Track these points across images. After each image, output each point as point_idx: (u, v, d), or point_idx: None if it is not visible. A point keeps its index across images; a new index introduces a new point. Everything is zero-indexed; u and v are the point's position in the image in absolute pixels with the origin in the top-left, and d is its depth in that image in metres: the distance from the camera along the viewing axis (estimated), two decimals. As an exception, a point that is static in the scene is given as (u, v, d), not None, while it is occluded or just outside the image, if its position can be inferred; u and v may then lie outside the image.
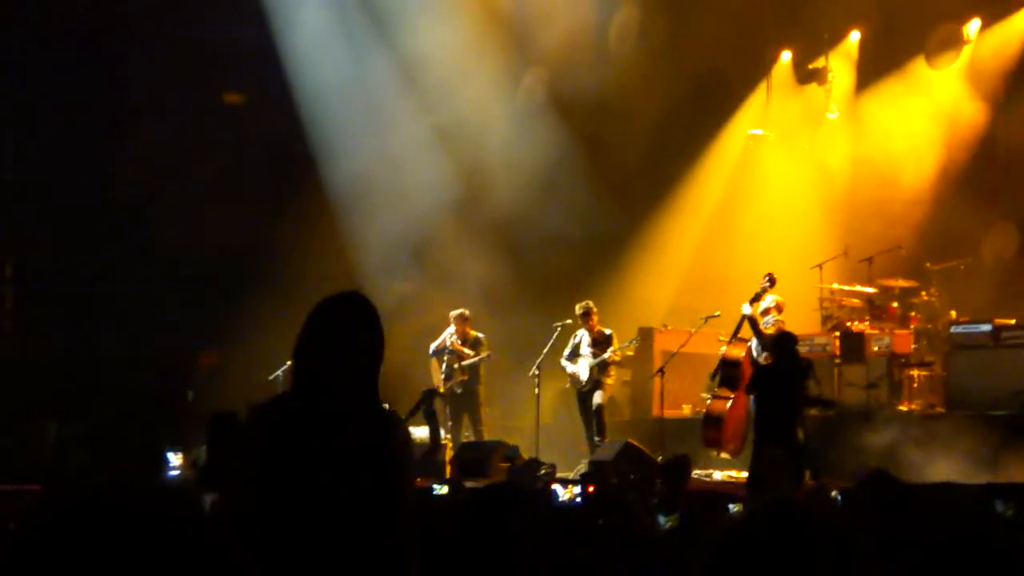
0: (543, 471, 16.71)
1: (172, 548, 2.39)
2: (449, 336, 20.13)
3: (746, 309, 17.79)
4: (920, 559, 2.68)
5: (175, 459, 11.84)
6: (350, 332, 5.28)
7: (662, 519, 10.65)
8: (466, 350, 19.95)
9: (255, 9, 22.85)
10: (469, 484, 15.84)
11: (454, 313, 20.11)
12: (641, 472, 15.47)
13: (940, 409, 18.88)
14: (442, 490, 12.36)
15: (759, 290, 17.91)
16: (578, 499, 10.66)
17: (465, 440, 19.68)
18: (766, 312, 17.67)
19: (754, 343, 17.65)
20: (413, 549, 5.13)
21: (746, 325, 17.86)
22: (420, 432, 19.46)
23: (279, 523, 4.98)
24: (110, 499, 2.48)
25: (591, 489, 10.17)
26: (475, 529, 5.40)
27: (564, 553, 4.43)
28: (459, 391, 19.94)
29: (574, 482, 11.26)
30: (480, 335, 20.10)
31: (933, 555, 2.72)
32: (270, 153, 23.80)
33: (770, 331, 17.36)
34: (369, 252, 23.09)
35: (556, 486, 10.71)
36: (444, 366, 20.11)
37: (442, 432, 19.78)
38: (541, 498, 9.65)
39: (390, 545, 5.04)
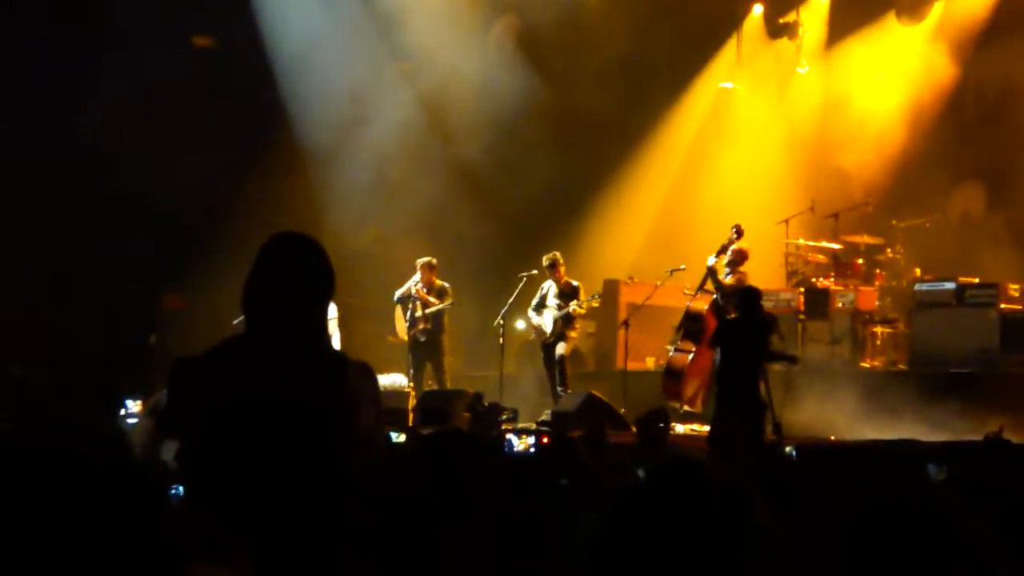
0: (504, 416, 16.73)
1: (79, 497, 2.35)
2: (414, 284, 20.03)
3: (711, 261, 17.81)
4: (831, 529, 2.67)
5: (134, 405, 11.77)
6: (294, 271, 5.22)
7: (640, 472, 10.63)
8: (431, 298, 19.88)
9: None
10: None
11: (420, 261, 20.01)
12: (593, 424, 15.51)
13: (903, 366, 18.98)
14: (399, 438, 12.35)
15: (726, 242, 17.93)
16: (532, 450, 10.67)
17: (428, 388, 19.64)
18: (730, 263, 17.73)
19: (718, 297, 17.67)
20: (361, 491, 5.11)
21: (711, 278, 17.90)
22: (391, 379, 19.49)
23: (226, 467, 4.97)
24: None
25: (545, 440, 10.18)
26: (427, 476, 5.39)
27: (516, 503, 4.42)
28: (422, 339, 19.87)
29: (528, 432, 11.28)
30: (445, 284, 20.01)
31: (844, 522, 2.71)
32: (239, 99, 23.62)
33: (729, 282, 17.39)
34: (337, 199, 22.99)
35: (511, 436, 10.71)
36: (408, 313, 20.03)
37: (404, 379, 19.81)
38: (495, 447, 9.67)
39: (337, 484, 5.03)
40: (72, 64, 22.14)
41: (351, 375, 5.20)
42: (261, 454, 4.95)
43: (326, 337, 5.40)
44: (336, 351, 5.63)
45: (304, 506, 4.96)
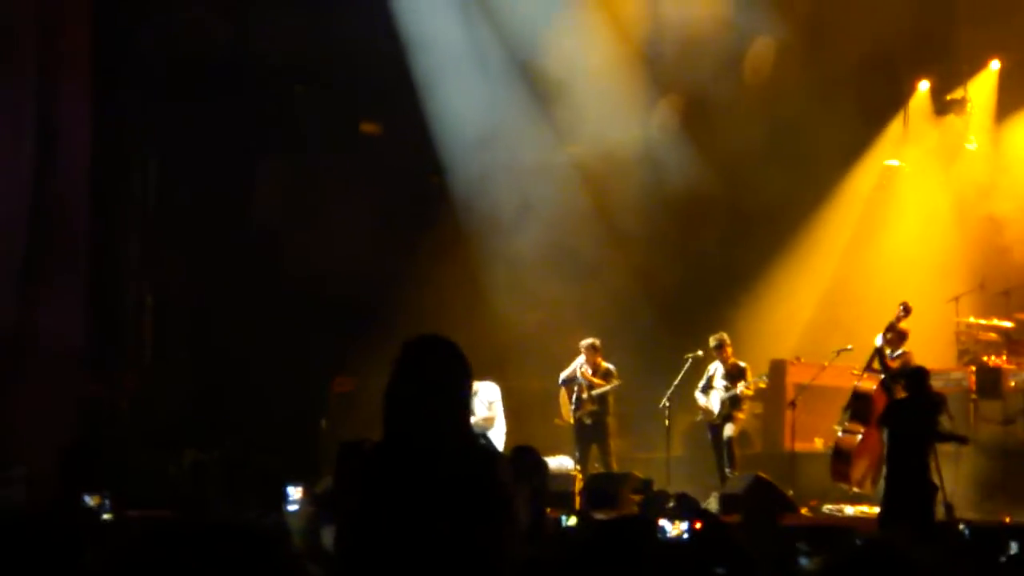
0: (671, 503, 16.64)
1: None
2: (579, 366, 20.08)
3: (878, 341, 17.67)
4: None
5: (295, 492, 11.93)
6: (429, 375, 5.33)
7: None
8: (596, 380, 19.88)
9: (390, 36, 23.04)
10: (599, 516, 15.88)
11: (584, 343, 20.04)
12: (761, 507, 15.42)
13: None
14: (570, 521, 12.36)
15: (893, 320, 17.77)
16: (685, 535, 10.60)
17: (594, 471, 19.61)
18: (889, 342, 17.57)
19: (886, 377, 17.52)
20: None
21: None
22: (557, 462, 19.48)
23: (378, 562, 5.05)
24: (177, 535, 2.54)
25: (697, 525, 10.11)
26: (602, 562, 5.43)
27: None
28: (588, 421, 19.86)
29: (680, 518, 11.21)
30: (611, 366, 19.99)
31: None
32: (406, 183, 24.03)
33: (894, 364, 17.22)
34: (502, 283, 23.14)
35: (663, 521, 10.67)
36: (574, 396, 20.03)
37: (571, 462, 19.79)
38: (652, 532, 9.64)
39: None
40: (246, 153, 22.73)
41: (500, 467, 5.28)
42: (413, 548, 5.03)
43: (469, 433, 5.48)
44: (484, 445, 5.70)
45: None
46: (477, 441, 5.56)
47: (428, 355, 5.41)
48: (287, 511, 11.86)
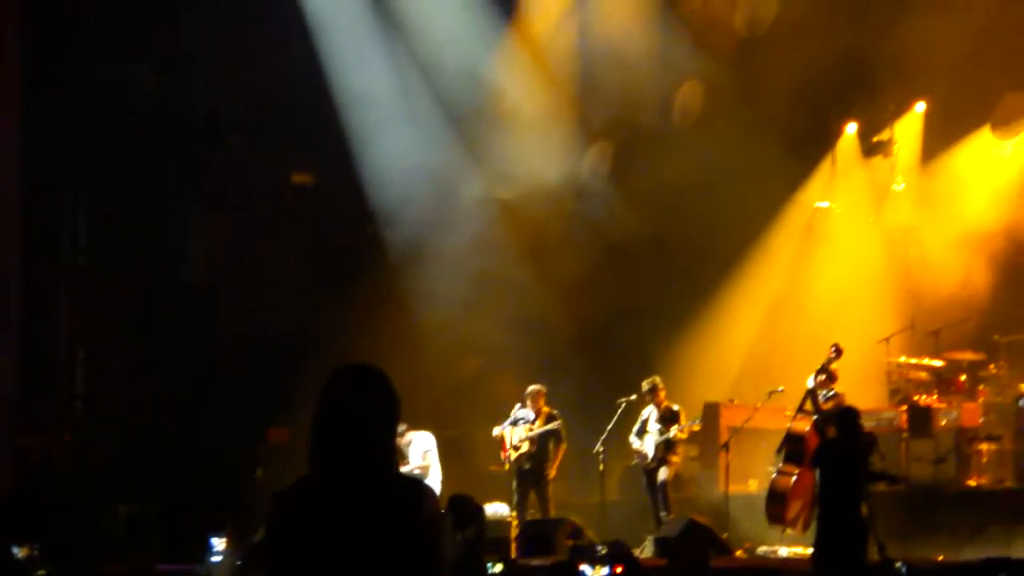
0: (603, 551, 16.64)
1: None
2: (520, 412, 20.00)
3: (810, 382, 17.75)
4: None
5: (219, 544, 11.89)
6: (356, 406, 5.25)
7: None
8: (537, 426, 19.76)
9: (320, 86, 23.08)
10: (534, 562, 15.88)
11: (531, 388, 19.94)
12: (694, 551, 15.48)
13: (1010, 484, 18.70)
14: (496, 568, 12.36)
15: (825, 362, 17.85)
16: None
17: (531, 517, 19.56)
18: (822, 384, 17.67)
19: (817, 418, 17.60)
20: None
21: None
22: (493, 509, 19.45)
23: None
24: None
25: (619, 570, 10.12)
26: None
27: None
28: (527, 466, 19.81)
29: (601, 561, 11.25)
30: (554, 411, 19.90)
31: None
32: (339, 232, 24.03)
33: (827, 406, 17.31)
34: (435, 329, 23.14)
35: (584, 567, 10.68)
36: (512, 441, 19.92)
37: (507, 508, 19.75)
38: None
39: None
40: (178, 201, 22.68)
41: (427, 501, 5.17)
42: None
43: (395, 465, 5.41)
44: (410, 480, 5.62)
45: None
46: (406, 475, 5.51)
47: (354, 382, 5.32)
48: (211, 562, 11.85)
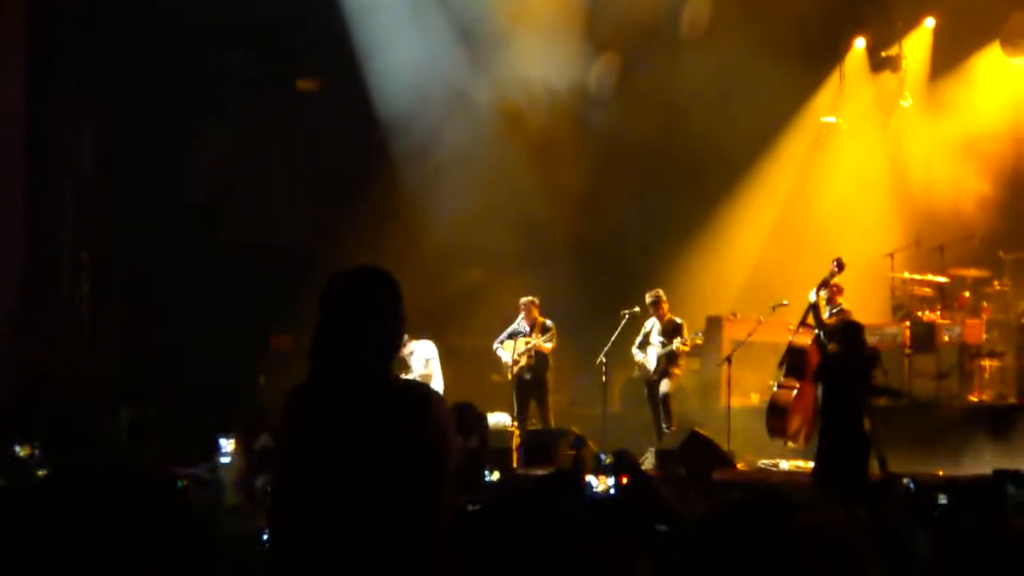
0: (608, 459, 16.67)
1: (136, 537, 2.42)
2: (519, 323, 20.08)
3: (812, 296, 17.73)
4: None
5: (227, 445, 11.94)
6: (359, 307, 5.19)
7: None
8: (539, 339, 19.84)
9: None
10: (536, 471, 15.93)
11: (524, 300, 20.06)
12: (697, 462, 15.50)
13: (1012, 400, 18.73)
14: (494, 476, 12.39)
15: (827, 276, 17.84)
16: (612, 490, 10.63)
17: (532, 427, 19.65)
18: (828, 300, 17.67)
19: (820, 332, 17.63)
20: (448, 528, 5.10)
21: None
22: (495, 418, 19.50)
23: (312, 509, 4.99)
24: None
25: (624, 480, 10.14)
26: (519, 517, 5.42)
27: (596, 542, 4.45)
28: (528, 377, 19.88)
29: (606, 472, 11.26)
30: (548, 321, 20.01)
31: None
32: (345, 141, 23.92)
33: (832, 320, 17.31)
34: (439, 239, 23.10)
35: (590, 477, 10.69)
36: (513, 352, 20.00)
37: (508, 418, 19.83)
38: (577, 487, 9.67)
39: (426, 524, 5.02)
40: (177, 118, 22.58)
41: (435, 408, 5.14)
42: (345, 497, 4.96)
43: (393, 370, 5.36)
44: (418, 384, 5.58)
45: (392, 546, 4.97)
46: (411, 381, 5.48)
47: (359, 281, 5.26)
48: (220, 463, 11.88)
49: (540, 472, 15.74)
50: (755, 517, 2.50)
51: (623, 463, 14.13)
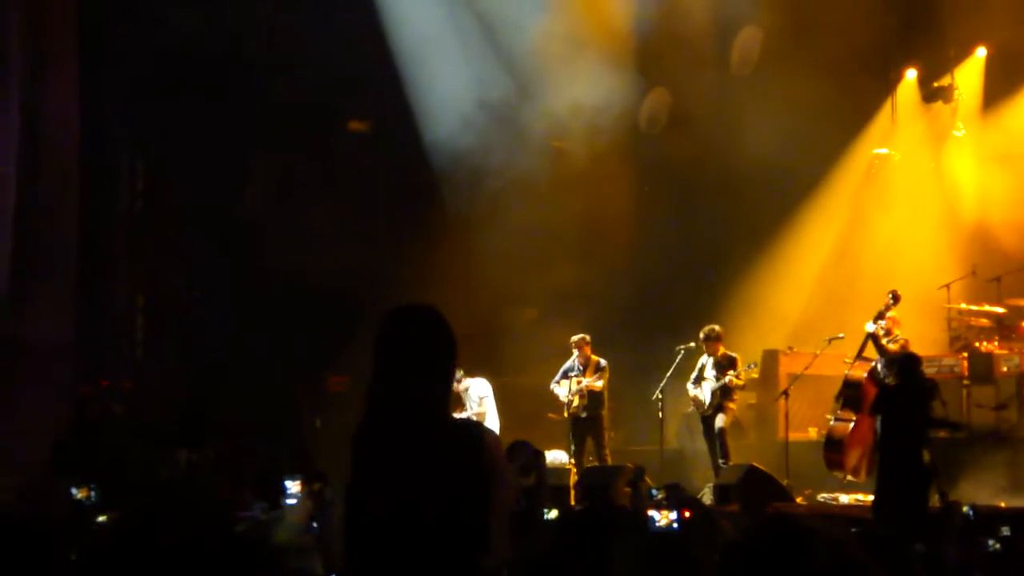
0: (660, 495, 16.60)
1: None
2: (573, 361, 20.05)
3: (870, 327, 17.70)
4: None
5: (293, 486, 11.96)
6: (413, 346, 5.20)
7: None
8: (588, 380, 19.80)
9: (378, 38, 23.05)
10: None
11: (575, 338, 20.03)
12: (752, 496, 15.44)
13: (1071, 430, 18.58)
14: (551, 514, 12.34)
15: (883, 308, 17.81)
16: (674, 525, 10.58)
17: (589, 465, 19.59)
18: (885, 333, 17.61)
19: (879, 363, 17.56)
20: (507, 562, 5.11)
21: (870, 344, 17.79)
22: (552, 456, 19.48)
23: (375, 548, 5.00)
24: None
25: (687, 515, 10.08)
26: (574, 551, 5.39)
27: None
28: (583, 415, 19.84)
29: (668, 507, 11.21)
30: (602, 360, 19.98)
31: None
32: (396, 180, 24.02)
33: (892, 348, 17.26)
34: (492, 275, 23.08)
35: (652, 512, 10.64)
36: (568, 391, 19.96)
37: (565, 456, 19.80)
38: (638, 522, 9.63)
39: (483, 558, 5.02)
40: (232, 147, 22.71)
41: (488, 447, 5.15)
42: (404, 536, 4.97)
43: (448, 405, 5.38)
44: (470, 422, 5.60)
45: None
46: (462, 419, 5.49)
47: (412, 321, 5.29)
48: (285, 505, 11.89)
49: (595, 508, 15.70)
50: (770, 546, 2.48)
51: (675, 497, 14.09)
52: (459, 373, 18.61)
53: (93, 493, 13.04)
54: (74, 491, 12.96)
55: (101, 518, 12.74)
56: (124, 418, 20.78)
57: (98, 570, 2.27)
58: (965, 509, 13.25)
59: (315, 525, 11.15)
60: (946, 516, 13.40)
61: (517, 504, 11.42)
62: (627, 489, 17.11)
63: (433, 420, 5.17)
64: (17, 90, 19.50)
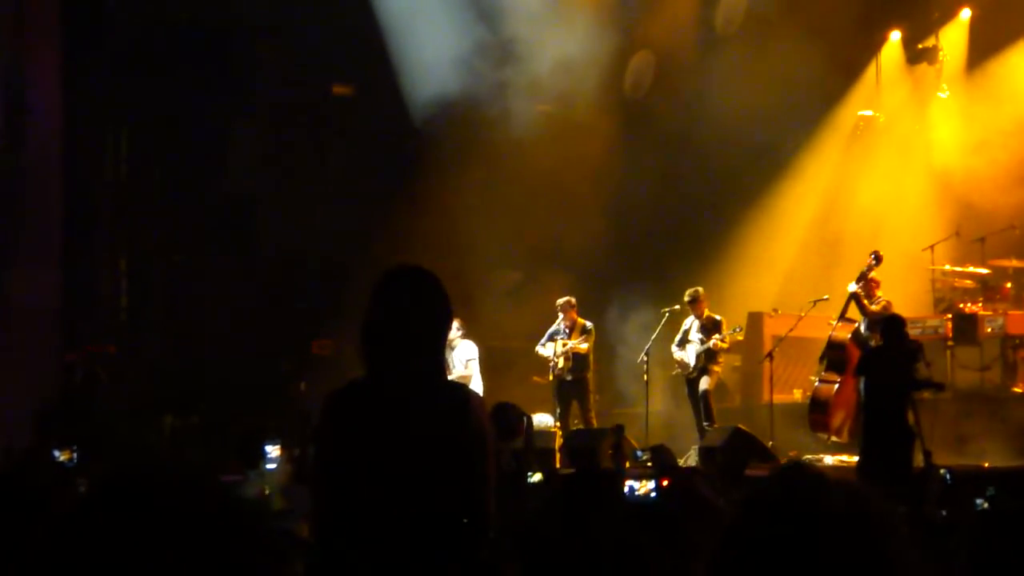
0: (645, 456, 16.65)
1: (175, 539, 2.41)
2: (558, 324, 20.04)
3: (852, 288, 17.75)
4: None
5: (273, 451, 11.99)
6: (409, 307, 5.20)
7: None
8: (573, 342, 19.80)
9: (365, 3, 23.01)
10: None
11: (561, 301, 20.03)
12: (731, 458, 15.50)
13: (1056, 390, 18.65)
14: (535, 476, 12.38)
15: (864, 268, 17.86)
16: (652, 493, 10.62)
17: (575, 427, 19.62)
18: (866, 294, 17.68)
19: (862, 324, 17.61)
20: (494, 525, 5.11)
21: (853, 305, 17.84)
22: (537, 419, 19.51)
23: (356, 510, 5.00)
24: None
25: (665, 483, 10.09)
26: (559, 515, 5.40)
27: (637, 544, 4.41)
28: (568, 378, 19.85)
29: (647, 476, 11.27)
30: (588, 323, 19.99)
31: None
32: (380, 145, 23.96)
33: (875, 308, 17.32)
34: (480, 242, 23.07)
35: (631, 481, 10.69)
36: (554, 353, 19.97)
37: (551, 419, 19.82)
38: (618, 484, 9.65)
39: (472, 523, 5.03)
40: (216, 119, 22.65)
41: (474, 411, 5.16)
42: (388, 495, 4.97)
43: (443, 369, 5.37)
44: (457, 385, 5.59)
45: (434, 549, 4.98)
46: (452, 382, 5.48)
47: (403, 285, 5.27)
48: (266, 469, 11.91)
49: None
50: (782, 497, 2.48)
51: (660, 458, 14.13)
52: (457, 324, 18.61)
53: (75, 455, 13.09)
54: (56, 453, 13.01)
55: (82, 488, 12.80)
56: (109, 385, 20.79)
57: (80, 530, 2.27)
58: (942, 471, 13.33)
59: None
60: (925, 479, 13.48)
61: (506, 466, 11.43)
62: (611, 452, 17.17)
63: (423, 382, 5.17)
64: (1, 63, 19.49)
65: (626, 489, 11.95)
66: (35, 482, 4.44)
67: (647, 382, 19.64)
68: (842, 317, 18.08)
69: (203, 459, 15.33)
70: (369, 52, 23.36)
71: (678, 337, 19.48)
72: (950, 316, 19.58)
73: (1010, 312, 19.42)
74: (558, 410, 19.93)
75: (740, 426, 17.54)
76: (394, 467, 4.99)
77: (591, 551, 4.50)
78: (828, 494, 2.46)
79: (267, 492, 10.90)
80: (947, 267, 20.78)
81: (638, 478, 13.34)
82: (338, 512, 5.07)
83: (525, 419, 13.58)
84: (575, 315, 19.94)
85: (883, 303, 17.64)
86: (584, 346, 19.72)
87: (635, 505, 9.29)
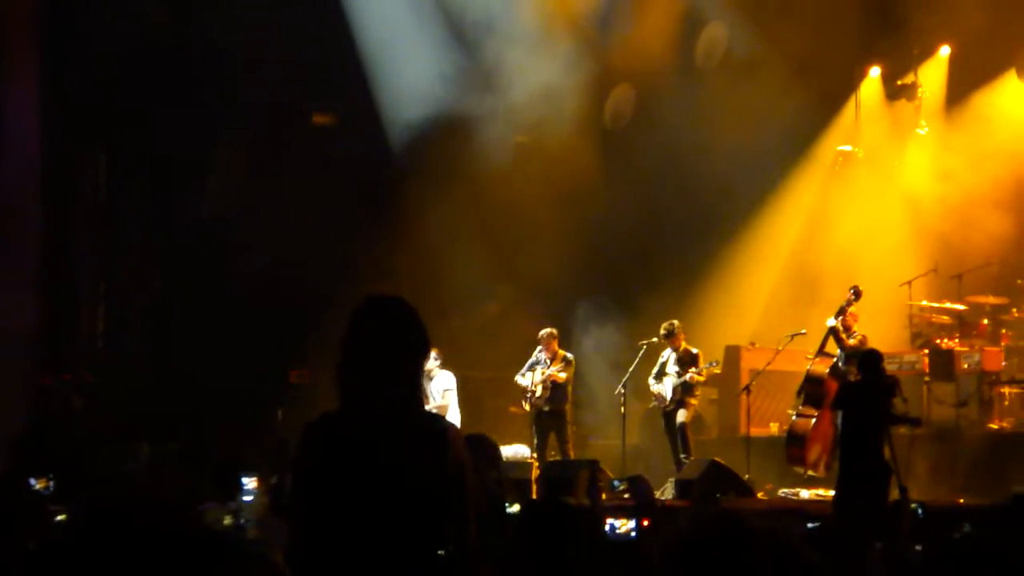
0: (623, 488, 16.61)
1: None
2: (537, 355, 20.02)
3: (831, 323, 17.80)
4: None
5: (250, 482, 11.95)
6: (386, 338, 5.19)
7: None
8: (553, 369, 19.79)
9: (345, 31, 23.03)
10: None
11: (543, 332, 20.01)
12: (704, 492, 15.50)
13: (1032, 427, 18.70)
14: (513, 507, 12.34)
15: (844, 303, 17.91)
16: (632, 533, 10.59)
17: (552, 459, 19.59)
18: (844, 329, 17.72)
19: (840, 359, 17.65)
20: (477, 555, 5.10)
21: (831, 340, 17.88)
22: (514, 450, 19.51)
23: (333, 541, 4.99)
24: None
25: (646, 523, 10.09)
26: (535, 546, 5.39)
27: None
28: (546, 409, 19.83)
29: (627, 514, 11.24)
30: (569, 355, 19.98)
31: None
32: (359, 173, 23.94)
33: (852, 343, 17.37)
34: (458, 272, 23.07)
35: (611, 520, 10.66)
36: (531, 384, 19.94)
37: (527, 450, 19.79)
38: (597, 528, 9.63)
39: (452, 554, 5.03)
40: (196, 139, 22.63)
41: (452, 444, 5.14)
42: (365, 526, 4.95)
43: (420, 400, 5.37)
44: (435, 416, 5.59)
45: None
46: (429, 413, 5.47)
47: (380, 315, 5.27)
48: (242, 501, 11.86)
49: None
50: (710, 542, 2.49)
51: (637, 490, 14.10)
52: (434, 355, 18.60)
53: (52, 483, 13.03)
54: (32, 481, 12.94)
55: (60, 517, 12.72)
56: (85, 412, 20.71)
57: (56, 561, 2.26)
58: (913, 506, 13.35)
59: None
60: (896, 514, 13.49)
61: (489, 495, 11.39)
62: (587, 485, 17.14)
63: (401, 413, 5.16)
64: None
65: (607, 527, 11.93)
66: (9, 510, 4.43)
67: (624, 415, 19.62)
68: (820, 352, 18.12)
69: (180, 487, 15.26)
70: (349, 80, 23.36)
71: (655, 370, 19.49)
72: (927, 352, 19.64)
73: (986, 348, 19.48)
74: (535, 441, 19.89)
75: (717, 459, 17.55)
76: (371, 498, 4.99)
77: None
78: (752, 545, 2.46)
79: (243, 522, 10.87)
80: (924, 303, 20.86)
81: (616, 515, 13.31)
82: (315, 543, 5.06)
83: (495, 449, 13.56)
84: (556, 346, 19.93)
85: (859, 337, 17.71)
86: (563, 375, 19.69)
87: (616, 544, 9.28)
